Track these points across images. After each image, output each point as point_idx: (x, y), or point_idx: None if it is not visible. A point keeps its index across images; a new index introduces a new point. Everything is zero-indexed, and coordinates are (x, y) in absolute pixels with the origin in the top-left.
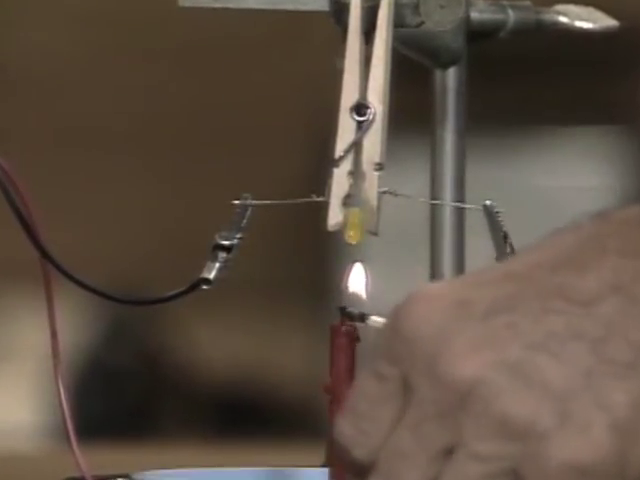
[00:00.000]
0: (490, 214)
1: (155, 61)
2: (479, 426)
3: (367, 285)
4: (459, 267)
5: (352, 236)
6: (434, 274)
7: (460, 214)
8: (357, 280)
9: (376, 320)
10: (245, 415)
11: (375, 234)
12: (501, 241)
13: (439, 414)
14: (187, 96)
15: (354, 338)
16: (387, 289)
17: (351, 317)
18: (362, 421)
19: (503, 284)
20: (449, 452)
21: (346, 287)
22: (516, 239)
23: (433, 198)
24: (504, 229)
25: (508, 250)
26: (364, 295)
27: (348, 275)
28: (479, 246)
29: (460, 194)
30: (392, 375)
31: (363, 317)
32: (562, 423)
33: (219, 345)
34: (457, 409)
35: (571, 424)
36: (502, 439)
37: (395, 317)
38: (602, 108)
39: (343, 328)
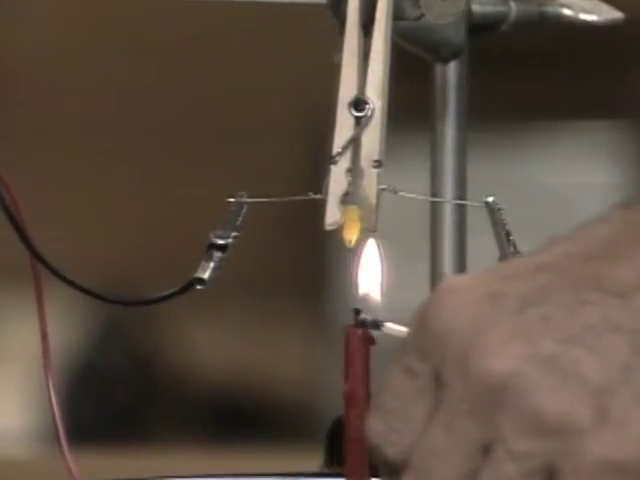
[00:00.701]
0: (492, 211)
1: (147, 57)
2: (515, 422)
3: (382, 269)
4: (460, 266)
5: (349, 234)
6: (435, 273)
7: (461, 211)
8: (371, 262)
9: (392, 328)
10: (241, 419)
11: (374, 233)
12: (504, 239)
13: (473, 410)
14: (180, 92)
15: (369, 340)
16: (387, 289)
17: (365, 324)
18: (393, 418)
19: (535, 275)
20: (484, 448)
21: (356, 276)
22: (519, 237)
23: (433, 195)
24: (507, 227)
25: (511, 248)
26: (377, 285)
27: (360, 256)
28: (481, 244)
29: (461, 191)
30: (423, 370)
31: (377, 324)
32: (599, 419)
33: (214, 347)
34: (491, 404)
35: (608, 420)
36: (538, 435)
37: (424, 310)
38: (607, 103)
39: (359, 331)
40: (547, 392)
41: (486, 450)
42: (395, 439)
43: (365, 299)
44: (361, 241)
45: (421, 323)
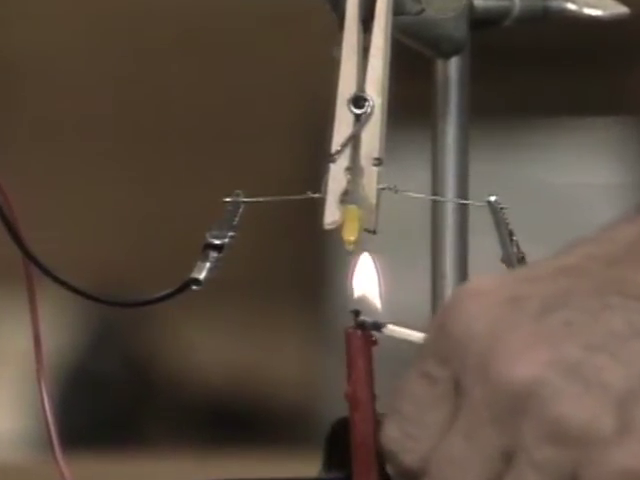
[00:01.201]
0: (495, 211)
1: (144, 55)
2: (536, 430)
3: (379, 280)
4: (462, 267)
5: (349, 234)
6: (436, 274)
7: (463, 211)
8: (365, 276)
9: (394, 329)
10: (238, 422)
11: (373, 232)
12: (506, 239)
13: (493, 417)
14: (176, 89)
15: (371, 341)
16: (387, 289)
17: (364, 327)
18: (410, 425)
19: (557, 278)
20: (505, 457)
21: (352, 286)
22: (522, 237)
23: (434, 194)
24: (509, 226)
25: (514, 249)
26: (376, 294)
27: (354, 270)
28: (483, 244)
29: (463, 190)
30: (441, 376)
31: (378, 326)
32: (622, 428)
33: (210, 349)
34: (512, 412)
35: (632, 429)
36: (560, 444)
37: (443, 314)
38: (612, 99)
39: (359, 332)
40: (570, 400)
41: (507, 458)
42: (412, 446)
43: (364, 301)
44: (358, 250)
45: (440, 327)
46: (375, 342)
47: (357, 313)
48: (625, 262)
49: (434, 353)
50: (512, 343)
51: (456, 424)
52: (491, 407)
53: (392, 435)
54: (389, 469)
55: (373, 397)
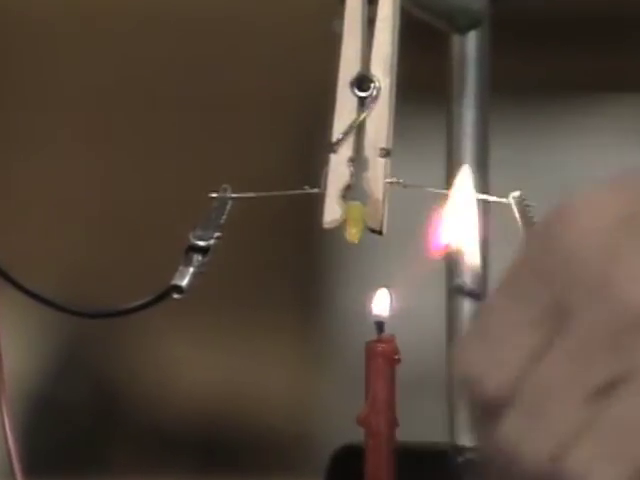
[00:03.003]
0: (520, 208)
1: (128, 39)
2: None
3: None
4: (482, 271)
5: (353, 235)
6: (451, 278)
7: (483, 207)
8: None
9: None
10: (225, 451)
11: (380, 232)
12: None
13: (610, 343)
14: (159, 76)
15: (393, 359)
16: (401, 289)
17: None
18: (498, 348)
19: None
20: (610, 388)
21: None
22: None
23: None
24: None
25: None
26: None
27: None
28: (507, 246)
29: (483, 184)
30: (540, 297)
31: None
32: None
33: (192, 367)
34: (632, 335)
35: None
36: None
37: (549, 230)
38: None
39: (379, 347)
40: None
41: (611, 389)
42: (497, 372)
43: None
44: (364, 242)
45: (544, 243)
46: (398, 360)
47: (380, 325)
48: None
49: (533, 269)
50: (632, 265)
51: (557, 347)
52: (604, 331)
53: (474, 359)
54: (465, 399)
55: (392, 424)
